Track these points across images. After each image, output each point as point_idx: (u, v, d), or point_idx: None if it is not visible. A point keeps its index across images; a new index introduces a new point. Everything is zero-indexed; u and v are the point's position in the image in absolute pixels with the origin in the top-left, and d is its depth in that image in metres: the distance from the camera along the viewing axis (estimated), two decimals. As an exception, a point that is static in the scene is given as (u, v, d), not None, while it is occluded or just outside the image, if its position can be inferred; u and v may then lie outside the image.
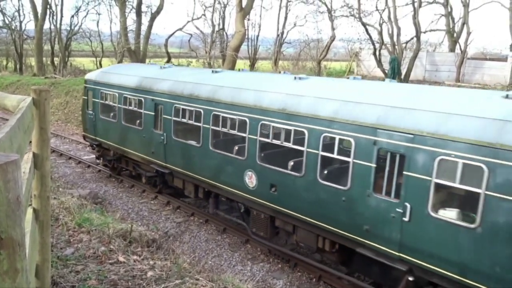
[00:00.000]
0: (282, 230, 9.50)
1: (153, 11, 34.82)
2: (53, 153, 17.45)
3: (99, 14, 49.53)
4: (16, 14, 46.88)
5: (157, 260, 6.84)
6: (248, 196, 9.59)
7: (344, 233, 7.78)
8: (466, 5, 32.46)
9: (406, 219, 6.77)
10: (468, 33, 32.75)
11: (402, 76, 30.25)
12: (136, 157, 13.19)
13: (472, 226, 6.07)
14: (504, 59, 32.86)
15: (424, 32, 36.18)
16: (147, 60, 35.02)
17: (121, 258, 6.33)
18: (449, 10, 36.64)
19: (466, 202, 6.43)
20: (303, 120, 8.26)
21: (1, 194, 1.48)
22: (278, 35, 39.97)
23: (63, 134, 22.47)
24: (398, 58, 30.76)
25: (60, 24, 42.76)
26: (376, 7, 36.53)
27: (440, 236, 6.42)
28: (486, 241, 5.96)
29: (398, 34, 31.79)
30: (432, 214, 6.45)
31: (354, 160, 7.43)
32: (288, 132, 8.66)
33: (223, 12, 39.92)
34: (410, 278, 6.95)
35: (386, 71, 31.54)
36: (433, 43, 44.92)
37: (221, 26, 40.06)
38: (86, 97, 15.26)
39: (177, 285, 5.64)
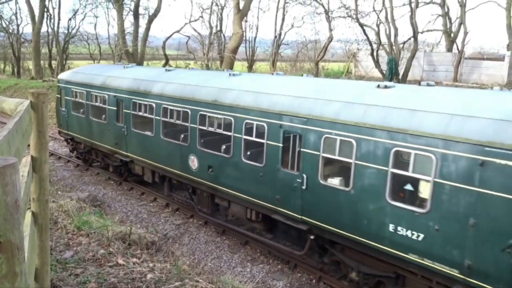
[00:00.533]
0: (221, 206, 11.09)
1: (150, 14, 34.83)
2: (51, 156, 17.43)
3: (96, 17, 49.66)
4: (14, 17, 47.10)
5: (157, 262, 6.83)
6: (192, 177, 11.10)
7: (263, 203, 9.33)
8: (463, 5, 32.54)
9: (304, 187, 8.35)
10: (465, 33, 32.83)
11: (400, 77, 30.30)
12: (103, 148, 14.59)
13: (347, 189, 7.68)
14: (501, 58, 32.93)
15: (422, 32, 36.24)
16: (145, 63, 35.05)
17: (120, 261, 6.32)
18: (446, 10, 36.72)
19: (344, 171, 7.94)
20: (229, 109, 9.76)
21: (0, 197, 1.48)
22: (275, 37, 39.99)
23: (61, 137, 22.38)
24: (395, 59, 30.82)
25: (58, 27, 42.76)
26: (373, 7, 36.69)
27: (328, 199, 8.03)
28: (357, 200, 7.54)
29: (396, 35, 31.88)
30: (322, 182, 8.06)
31: (267, 142, 9.00)
32: (219, 120, 10.27)
33: (221, 14, 39.97)
34: (312, 237, 8.55)
35: (384, 72, 31.60)
36: (430, 43, 45.03)
37: (218, 28, 40.08)
38: (59, 95, 16.77)
39: (176, 287, 5.63)
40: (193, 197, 11.86)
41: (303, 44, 42.64)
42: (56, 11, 42.69)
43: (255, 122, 9.28)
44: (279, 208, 8.94)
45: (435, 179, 6.51)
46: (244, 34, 34.03)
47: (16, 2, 44.93)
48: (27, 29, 46.06)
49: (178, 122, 11.27)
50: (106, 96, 13.81)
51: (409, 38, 34.07)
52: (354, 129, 7.50)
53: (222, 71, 13.87)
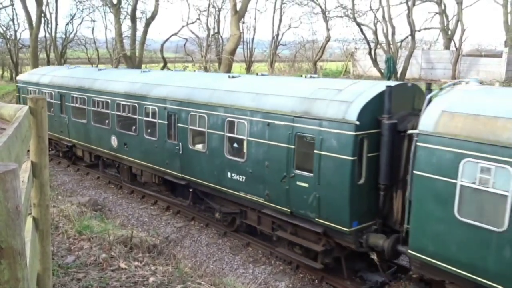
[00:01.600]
0: (137, 175, 13.87)
1: (147, 17, 34.85)
2: (51, 161, 17.42)
3: (94, 21, 49.42)
4: (11, 23, 46.76)
5: (159, 265, 6.83)
6: (114, 153, 14.03)
7: (160, 168, 12.27)
8: (459, 3, 32.59)
9: (181, 152, 11.37)
10: (463, 30, 32.87)
11: (398, 75, 30.33)
12: (53, 137, 16.83)
13: (204, 151, 10.77)
14: (499, 55, 32.99)
15: (419, 31, 36.30)
16: (143, 66, 35.04)
17: (122, 265, 6.32)
18: (443, 8, 36.77)
19: (203, 138, 10.89)
20: (135, 98, 12.77)
21: (1, 203, 1.48)
22: (273, 37, 40.03)
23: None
24: (393, 57, 30.86)
25: (55, 32, 42.76)
26: (370, 6, 36.66)
27: (195, 160, 11.09)
28: (210, 158, 10.61)
29: (393, 33, 31.92)
30: (191, 147, 11.14)
31: (158, 121, 11.97)
32: (129, 107, 13.02)
33: (218, 16, 39.98)
34: (190, 190, 11.64)
35: (382, 70, 31.63)
36: (428, 41, 45.09)
37: (216, 30, 40.10)
38: (18, 94, 19.55)
39: (179, 290, 5.63)
40: (119, 171, 14.89)
41: (301, 44, 42.68)
42: (54, 16, 42.93)
43: (150, 107, 12.24)
44: (168, 170, 12.03)
45: (247, 138, 9.60)
46: (242, 36, 34.06)
47: (13, 8, 44.77)
48: (24, 34, 46.01)
49: (103, 110, 14.16)
50: (52, 92, 16.80)
51: (407, 37, 34.14)
52: (205, 107, 10.56)
53: (136, 70, 18.03)
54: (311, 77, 10.17)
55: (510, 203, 5.96)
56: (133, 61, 32.05)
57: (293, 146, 8.66)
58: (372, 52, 33.25)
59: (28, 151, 3.25)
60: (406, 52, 32.03)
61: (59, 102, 16.40)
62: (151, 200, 13.72)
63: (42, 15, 39.36)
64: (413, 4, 31.42)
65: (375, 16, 34.60)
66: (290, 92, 9.20)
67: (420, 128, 6.95)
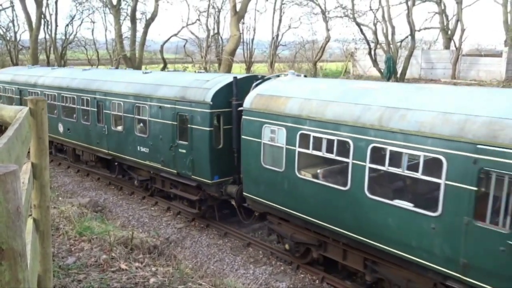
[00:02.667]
0: (80, 155, 16.33)
1: (147, 18, 34.89)
2: (51, 162, 17.42)
3: (93, 22, 49.46)
4: (11, 24, 46.75)
5: (159, 266, 6.83)
6: (61, 138, 16.74)
7: (94, 147, 15.04)
8: (459, 2, 32.61)
9: (106, 133, 14.22)
10: (462, 30, 32.89)
11: (398, 75, 30.33)
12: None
13: (121, 130, 13.69)
14: (499, 54, 32.99)
15: (419, 30, 36.32)
16: (143, 67, 35.04)
17: (123, 266, 6.32)
18: (443, 7, 36.80)
19: (120, 120, 13.70)
20: (73, 91, 15.67)
21: (1, 205, 1.48)
22: (273, 38, 40.02)
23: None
24: (393, 57, 30.85)
25: (55, 34, 42.75)
26: (370, 6, 36.69)
27: (116, 138, 13.90)
28: (126, 136, 13.43)
29: (393, 33, 31.92)
30: (113, 128, 13.95)
31: (90, 108, 14.78)
32: (70, 98, 15.85)
33: (218, 17, 39.98)
34: (116, 163, 14.53)
35: (382, 70, 31.63)
36: (427, 41, 45.09)
37: (216, 31, 40.10)
38: None
39: (180, 291, 5.63)
40: (66, 154, 17.43)
41: (301, 44, 42.67)
42: (53, 17, 42.72)
43: (85, 97, 15.08)
44: (99, 149, 14.77)
45: (148, 118, 12.41)
46: (242, 36, 34.06)
47: (13, 9, 44.80)
48: (24, 36, 46.00)
49: (53, 102, 16.49)
50: (13, 89, 19.31)
51: (407, 37, 34.12)
52: (121, 96, 13.45)
53: (79, 68, 20.28)
54: (198, 72, 14.39)
55: (285, 151, 8.82)
56: (133, 62, 32.06)
57: (176, 123, 11.62)
58: (372, 52, 33.25)
59: (29, 152, 3.26)
60: (406, 52, 32.02)
61: (19, 96, 18.93)
62: (151, 201, 13.73)
63: (42, 16, 39.38)
64: (413, 4, 31.43)
65: (375, 16, 34.65)
66: (175, 83, 12.09)
67: (244, 106, 9.81)
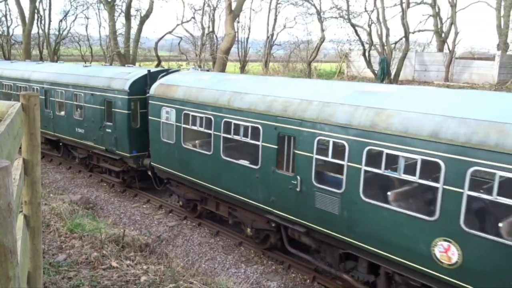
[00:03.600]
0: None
1: (142, 15, 34.70)
2: (43, 159, 17.30)
3: (87, 18, 49.05)
4: (3, 19, 46.30)
5: (151, 264, 6.81)
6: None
7: (43, 130, 15.60)
8: (453, 5, 32.79)
9: (52, 118, 16.53)
10: (456, 33, 33.08)
11: (392, 76, 30.46)
12: None
13: (64, 115, 15.90)
14: (491, 58, 33.22)
15: (413, 33, 36.45)
16: (137, 64, 34.87)
17: (114, 263, 6.29)
18: (437, 10, 36.98)
19: (63, 107, 15.98)
20: (27, 81, 17.79)
21: (-8, 201, 1.47)
22: (268, 37, 40.02)
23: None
24: (387, 59, 30.96)
25: (49, 29, 42.42)
26: (365, 8, 36.83)
27: (60, 121, 16.14)
28: (67, 120, 15.69)
29: (387, 35, 32.03)
30: (57, 113, 16.16)
31: (39, 96, 13.64)
32: (23, 87, 17.78)
33: (213, 15, 39.87)
34: (60, 144, 16.81)
35: (376, 72, 31.74)
36: (421, 43, 45.30)
37: (211, 29, 39.99)
38: None
39: (171, 289, 5.61)
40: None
41: (296, 44, 42.69)
42: (47, 12, 42.48)
43: (35, 86, 17.15)
44: (47, 131, 16.67)
45: (83, 104, 14.81)
46: (237, 35, 34.02)
47: (6, 3, 44.44)
48: (17, 30, 45.61)
49: (9, 91, 18.86)
50: None
51: (401, 38, 34.28)
52: (63, 85, 15.82)
53: (32, 61, 22.76)
54: (127, 65, 18.12)
55: (175, 127, 11.38)
56: (127, 59, 31.89)
57: (103, 107, 13.97)
58: (366, 54, 33.35)
59: (20, 148, 3.23)
60: (400, 54, 32.15)
61: (2, 90, 20.35)
62: (143, 199, 13.68)
63: (36, 11, 39.06)
64: (408, 6, 31.55)
65: (370, 18, 34.73)
66: (104, 75, 14.56)
67: (150, 93, 12.41)
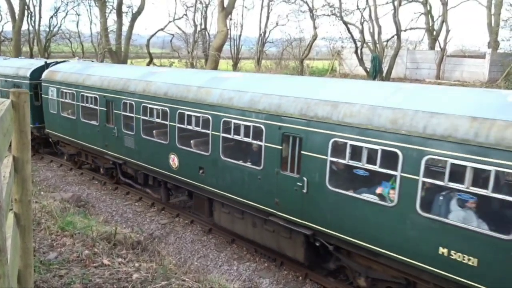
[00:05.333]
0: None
1: (134, 12, 34.51)
2: (33, 156, 17.17)
3: (78, 15, 48.89)
4: (-7, 15, 45.81)
5: (143, 262, 6.79)
6: None
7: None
8: (445, 4, 32.99)
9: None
10: (447, 31, 33.31)
11: (384, 74, 30.59)
12: None
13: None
14: (482, 56, 33.50)
15: (405, 31, 36.66)
16: (128, 61, 34.67)
17: (105, 261, 6.26)
18: (429, 8, 37.19)
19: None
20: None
21: (-19, 198, 1.45)
22: (260, 35, 40.01)
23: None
24: (379, 57, 31.09)
25: (39, 25, 42.06)
26: (357, 6, 36.96)
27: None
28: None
29: (379, 33, 32.16)
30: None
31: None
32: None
33: (205, 12, 39.77)
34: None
35: (368, 69, 31.86)
36: (413, 41, 45.53)
37: (203, 26, 39.89)
38: None
39: (163, 286, 5.61)
40: None
41: (288, 42, 42.73)
42: (37, 8, 42.01)
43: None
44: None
45: (1, 88, 18.20)
46: (229, 32, 33.96)
47: (-4, 0, 43.95)
48: (7, 27, 45.17)
49: None
50: None
51: (393, 36, 34.42)
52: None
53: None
54: (35, 58, 22.76)
55: (56, 102, 15.46)
56: (119, 56, 31.70)
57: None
58: (359, 51, 33.46)
59: (10, 145, 3.20)
60: (391, 52, 32.30)
61: None
62: (135, 197, 13.63)
63: (26, 7, 38.68)
64: (399, 4, 31.69)
65: (362, 15, 34.85)
66: (16, 65, 18.50)
67: (42, 78, 16.25)
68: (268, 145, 8.54)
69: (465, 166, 6.00)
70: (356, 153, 7.26)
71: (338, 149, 7.52)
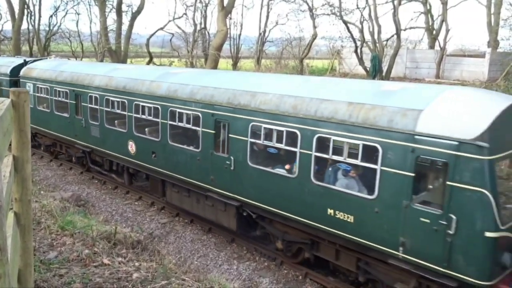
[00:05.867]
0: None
1: (133, 11, 34.49)
2: (33, 156, 17.16)
3: (78, 14, 48.90)
4: (-8, 14, 45.73)
5: (143, 261, 6.79)
6: None
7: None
8: (444, 3, 32.97)
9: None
10: (447, 31, 33.29)
11: (384, 74, 30.58)
12: None
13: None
14: (482, 55, 33.49)
15: (404, 30, 36.65)
16: (128, 60, 34.65)
17: (105, 261, 6.26)
18: (428, 7, 37.17)
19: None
20: None
21: (-19, 198, 1.45)
22: (260, 34, 39.98)
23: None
24: (379, 56, 31.06)
25: (39, 25, 42.02)
26: (357, 5, 36.92)
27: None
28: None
29: (379, 32, 32.13)
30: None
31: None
32: None
33: (205, 11, 39.74)
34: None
35: (368, 69, 31.85)
36: (413, 40, 45.51)
37: (203, 25, 39.87)
38: None
39: (163, 286, 5.61)
40: None
41: (288, 41, 42.68)
42: (37, 8, 41.97)
43: None
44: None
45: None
46: (229, 32, 33.94)
47: (-5, -1, 43.91)
48: (6, 26, 45.13)
49: None
50: None
51: (392, 36, 34.40)
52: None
53: None
54: (16, 57, 24.08)
55: (32, 96, 16.41)
56: (118, 56, 31.68)
57: None
58: (358, 51, 33.44)
59: (10, 145, 3.20)
60: (391, 51, 32.27)
61: None
62: (135, 196, 13.63)
63: (25, 6, 38.64)
64: (399, 3, 31.67)
65: (362, 15, 34.81)
66: (5, 63, 19.24)
67: (20, 75, 17.54)
68: (204, 130, 9.95)
69: (343, 142, 7.52)
70: (269, 134, 8.68)
71: (256, 132, 8.96)
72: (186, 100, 10.33)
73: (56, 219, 8.09)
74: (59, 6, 43.81)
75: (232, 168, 9.35)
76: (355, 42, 34.10)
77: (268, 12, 39.66)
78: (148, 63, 35.16)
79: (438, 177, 6.94)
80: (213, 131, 9.74)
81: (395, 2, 30.96)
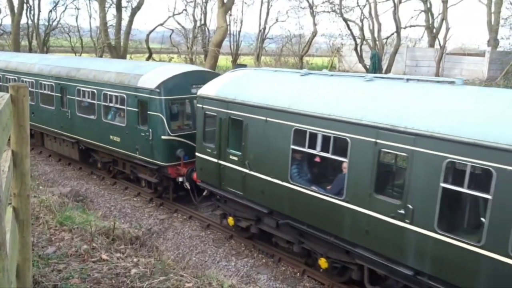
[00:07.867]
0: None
1: (133, 6, 34.34)
2: (32, 151, 17.16)
3: (78, 9, 48.44)
4: (-8, 8, 45.52)
5: (141, 257, 6.80)
6: None
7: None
8: (445, 1, 32.89)
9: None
10: (447, 29, 33.20)
11: (383, 71, 30.56)
12: None
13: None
14: (482, 54, 33.46)
15: (404, 28, 36.56)
16: (128, 56, 34.58)
17: (104, 256, 6.27)
18: (429, 6, 37.08)
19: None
20: None
21: (-20, 193, 1.46)
22: (260, 31, 39.86)
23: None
24: (379, 54, 31.04)
25: (38, 19, 41.80)
26: (357, 2, 36.80)
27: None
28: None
29: (379, 30, 32.10)
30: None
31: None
32: None
33: (205, 7, 39.58)
34: None
35: (368, 67, 31.83)
36: (413, 38, 45.36)
37: (202, 22, 39.72)
38: None
39: (161, 282, 5.62)
40: None
41: (288, 38, 42.56)
42: (36, 2, 41.74)
43: None
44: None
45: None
46: (229, 28, 33.84)
47: (-6, -7, 43.75)
48: (6, 20, 44.96)
49: None
50: None
51: (392, 33, 34.36)
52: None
53: None
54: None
55: None
56: (118, 51, 31.58)
57: None
58: (358, 48, 33.39)
59: (9, 140, 3.20)
60: (391, 49, 32.24)
61: None
62: (134, 192, 13.63)
63: (25, 1, 38.49)
64: (400, 2, 31.62)
65: (362, 12, 34.72)
66: None
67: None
68: (130, 108, 12.76)
69: (112, 95, 13.61)
70: (83, 93, 14.71)
71: (79, 92, 14.95)
72: (48, 75, 16.21)
73: (55, 214, 8.09)
74: (58, 1, 43.52)
75: (150, 138, 12.22)
76: (355, 39, 34.05)
77: (268, 9, 39.52)
78: (147, 59, 35.07)
79: (144, 109, 12.32)
80: (137, 109, 12.66)
81: (396, 0, 30.91)
